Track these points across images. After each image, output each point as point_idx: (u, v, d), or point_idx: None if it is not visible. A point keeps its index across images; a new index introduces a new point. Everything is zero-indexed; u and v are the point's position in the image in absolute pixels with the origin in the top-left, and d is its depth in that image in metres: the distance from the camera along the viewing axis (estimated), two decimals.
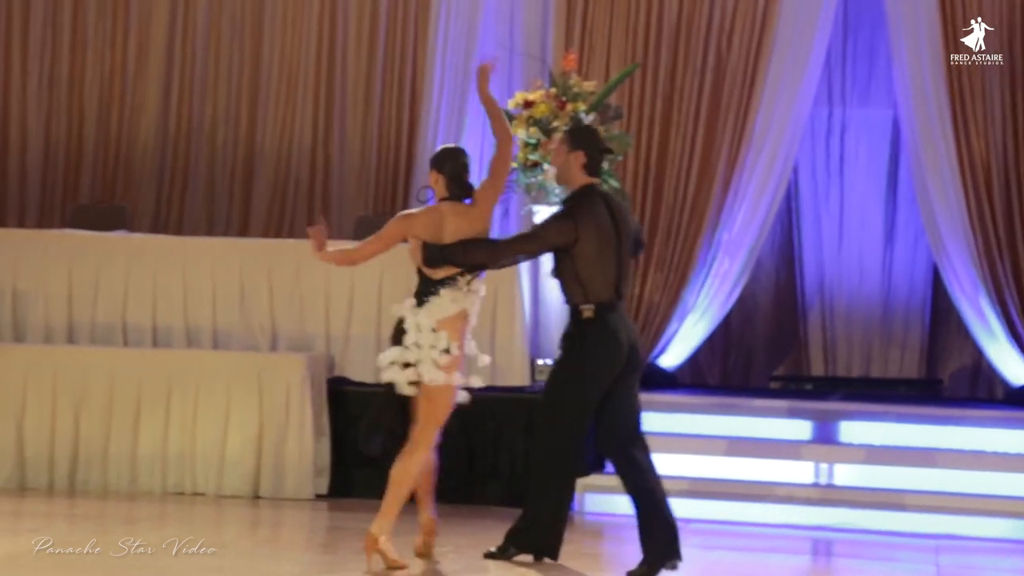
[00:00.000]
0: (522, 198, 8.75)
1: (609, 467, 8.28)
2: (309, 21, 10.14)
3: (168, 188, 10.32)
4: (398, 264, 8.44)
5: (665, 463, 8.08)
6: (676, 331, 9.38)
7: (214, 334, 8.78)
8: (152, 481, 8.15)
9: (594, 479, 8.09)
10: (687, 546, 6.27)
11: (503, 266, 6.21)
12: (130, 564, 5.88)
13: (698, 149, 9.48)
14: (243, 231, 10.09)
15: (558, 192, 8.28)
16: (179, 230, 10.05)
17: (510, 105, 8.53)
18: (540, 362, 8.46)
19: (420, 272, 5.90)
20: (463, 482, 8.21)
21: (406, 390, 5.86)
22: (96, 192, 10.31)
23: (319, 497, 8.11)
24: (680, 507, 7.69)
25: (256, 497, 8.13)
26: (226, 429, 8.23)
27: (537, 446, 6.09)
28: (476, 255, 5.89)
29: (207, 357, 8.41)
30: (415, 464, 5.89)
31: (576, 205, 5.84)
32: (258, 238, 9.75)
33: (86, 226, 9.10)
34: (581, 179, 5.91)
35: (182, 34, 10.30)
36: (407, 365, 5.86)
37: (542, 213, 8.38)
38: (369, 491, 8.06)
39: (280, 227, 10.08)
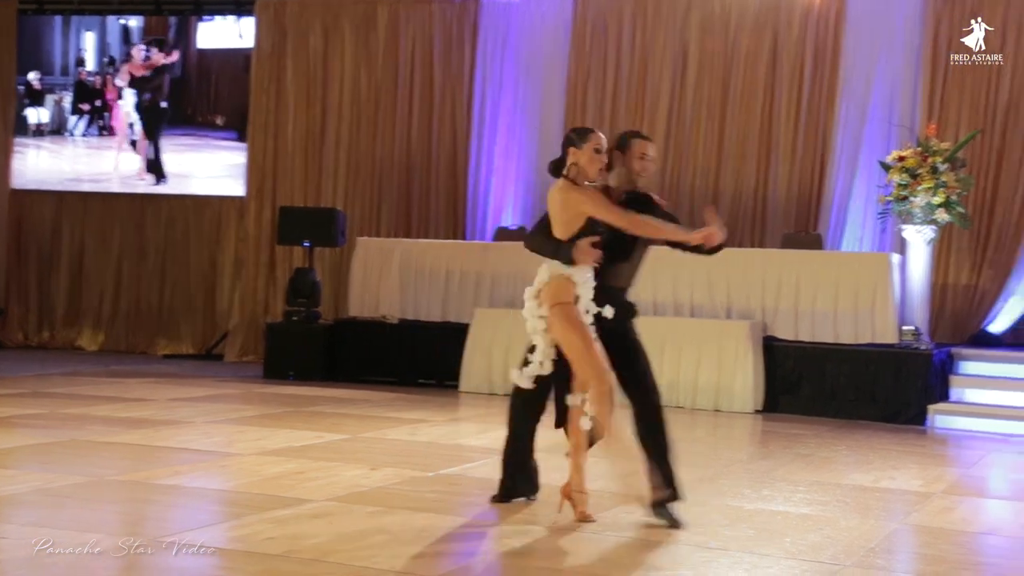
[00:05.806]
0: (895, 220, 9.89)
1: (952, 395, 9.28)
2: (756, 101, 11.52)
3: None
4: (806, 261, 9.58)
5: (994, 398, 9.32)
6: (1001, 309, 10.63)
7: (691, 307, 10.02)
8: None
9: (940, 405, 9.10)
10: None
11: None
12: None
13: (1021, 187, 10.65)
14: None
15: (920, 216, 9.34)
16: None
17: (889, 159, 9.70)
18: (904, 328, 9.47)
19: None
20: (850, 405, 9.37)
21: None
22: None
23: (756, 412, 9.36)
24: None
25: (716, 410, 9.34)
26: (698, 368, 9.54)
27: None
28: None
29: (687, 323, 9.65)
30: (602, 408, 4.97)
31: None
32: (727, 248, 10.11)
33: None
34: None
35: (676, 114, 11.66)
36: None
37: (909, 230, 9.62)
38: (790, 409, 9.38)
39: (734, 240, 10.63)
